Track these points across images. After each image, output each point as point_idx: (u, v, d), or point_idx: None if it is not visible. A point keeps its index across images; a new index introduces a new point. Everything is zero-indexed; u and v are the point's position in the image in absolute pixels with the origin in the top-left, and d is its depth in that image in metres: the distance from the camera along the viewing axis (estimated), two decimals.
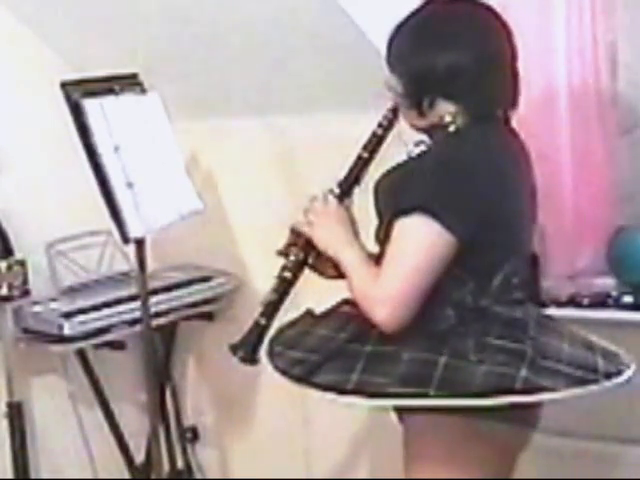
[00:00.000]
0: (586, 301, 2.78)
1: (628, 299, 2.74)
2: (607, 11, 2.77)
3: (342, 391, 2.04)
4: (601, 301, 2.77)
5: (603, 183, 2.84)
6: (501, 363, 2.00)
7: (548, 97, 2.82)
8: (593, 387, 2.02)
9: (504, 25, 2.18)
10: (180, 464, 3.65)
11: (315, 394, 2.11)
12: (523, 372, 1.98)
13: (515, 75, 2.18)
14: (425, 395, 1.96)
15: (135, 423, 3.49)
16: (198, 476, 3.74)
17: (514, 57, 2.17)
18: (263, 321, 2.34)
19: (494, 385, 1.97)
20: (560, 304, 2.71)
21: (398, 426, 2.31)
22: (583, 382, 2.02)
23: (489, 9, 2.21)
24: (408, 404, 2.02)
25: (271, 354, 2.25)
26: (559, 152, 2.81)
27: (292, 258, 2.35)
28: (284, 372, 2.17)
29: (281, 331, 2.32)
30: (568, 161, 2.82)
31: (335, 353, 2.12)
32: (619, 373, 2.08)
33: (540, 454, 2.64)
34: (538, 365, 2.01)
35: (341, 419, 3.27)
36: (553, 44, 2.80)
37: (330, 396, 2.09)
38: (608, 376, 2.06)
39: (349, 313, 2.21)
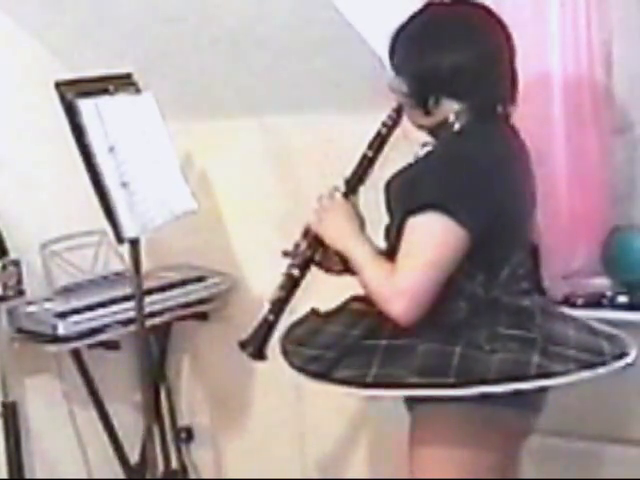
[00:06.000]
0: (581, 301, 2.79)
1: (623, 299, 2.76)
2: (601, 9, 2.79)
3: (362, 385, 2.09)
4: (596, 301, 2.79)
5: (598, 183, 2.85)
6: (514, 351, 2.06)
7: (543, 95, 2.83)
8: (602, 369, 2.08)
9: (502, 25, 2.23)
10: (175, 464, 3.67)
11: (334, 389, 2.15)
12: (535, 358, 2.03)
13: (514, 73, 2.23)
14: (445, 385, 2.02)
15: (130, 423, 3.50)
16: (193, 476, 3.77)
17: (512, 56, 2.22)
18: (271, 317, 2.37)
19: (510, 372, 2.02)
20: (555, 304, 2.62)
21: (393, 421, 2.40)
22: (592, 365, 2.07)
23: (487, 10, 2.27)
24: (429, 394, 2.06)
25: (285, 352, 2.28)
26: (554, 151, 2.82)
27: (299, 256, 2.38)
28: (301, 369, 2.20)
29: (290, 330, 2.35)
30: (563, 160, 2.83)
31: (351, 349, 2.16)
32: (623, 355, 2.13)
33: (540, 454, 2.75)
34: (549, 351, 2.06)
35: (336, 418, 3.36)
36: (548, 42, 2.82)
37: (351, 391, 2.16)
38: (614, 358, 2.12)
39: (359, 310, 2.25)
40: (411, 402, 2.22)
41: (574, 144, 2.83)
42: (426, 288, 2.07)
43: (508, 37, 2.23)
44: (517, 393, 2.04)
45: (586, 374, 2.06)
